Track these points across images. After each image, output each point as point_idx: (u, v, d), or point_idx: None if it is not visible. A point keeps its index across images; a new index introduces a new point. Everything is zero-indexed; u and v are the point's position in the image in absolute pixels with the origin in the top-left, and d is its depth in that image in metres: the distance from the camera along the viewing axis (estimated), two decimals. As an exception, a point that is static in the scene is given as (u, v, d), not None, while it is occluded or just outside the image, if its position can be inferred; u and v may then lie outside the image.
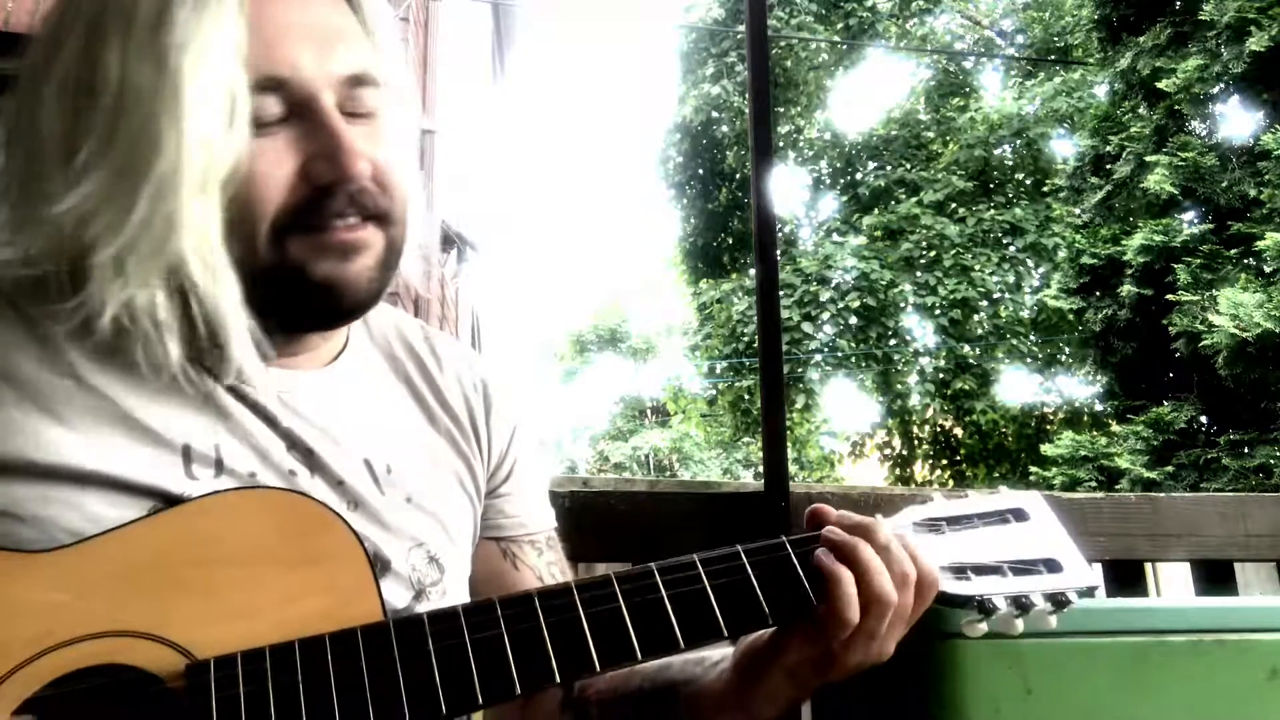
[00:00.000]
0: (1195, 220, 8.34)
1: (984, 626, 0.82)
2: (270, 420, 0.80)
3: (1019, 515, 0.87)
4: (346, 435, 0.84)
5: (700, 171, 16.91)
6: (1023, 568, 0.82)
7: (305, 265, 0.74)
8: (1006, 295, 14.18)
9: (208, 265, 0.70)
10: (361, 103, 0.77)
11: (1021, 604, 0.80)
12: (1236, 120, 8.44)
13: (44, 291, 0.74)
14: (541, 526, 0.99)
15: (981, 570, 0.82)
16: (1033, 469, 10.05)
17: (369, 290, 0.78)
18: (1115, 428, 8.89)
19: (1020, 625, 0.81)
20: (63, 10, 0.73)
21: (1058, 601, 0.81)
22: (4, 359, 0.73)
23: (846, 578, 0.75)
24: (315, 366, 0.86)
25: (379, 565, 0.79)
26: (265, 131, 0.72)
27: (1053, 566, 0.83)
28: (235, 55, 0.70)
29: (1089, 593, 0.82)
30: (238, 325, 0.73)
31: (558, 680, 0.70)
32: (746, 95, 4.63)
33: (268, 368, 0.80)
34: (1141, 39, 8.83)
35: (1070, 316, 10.40)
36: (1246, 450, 7.61)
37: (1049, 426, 14.45)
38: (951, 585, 0.81)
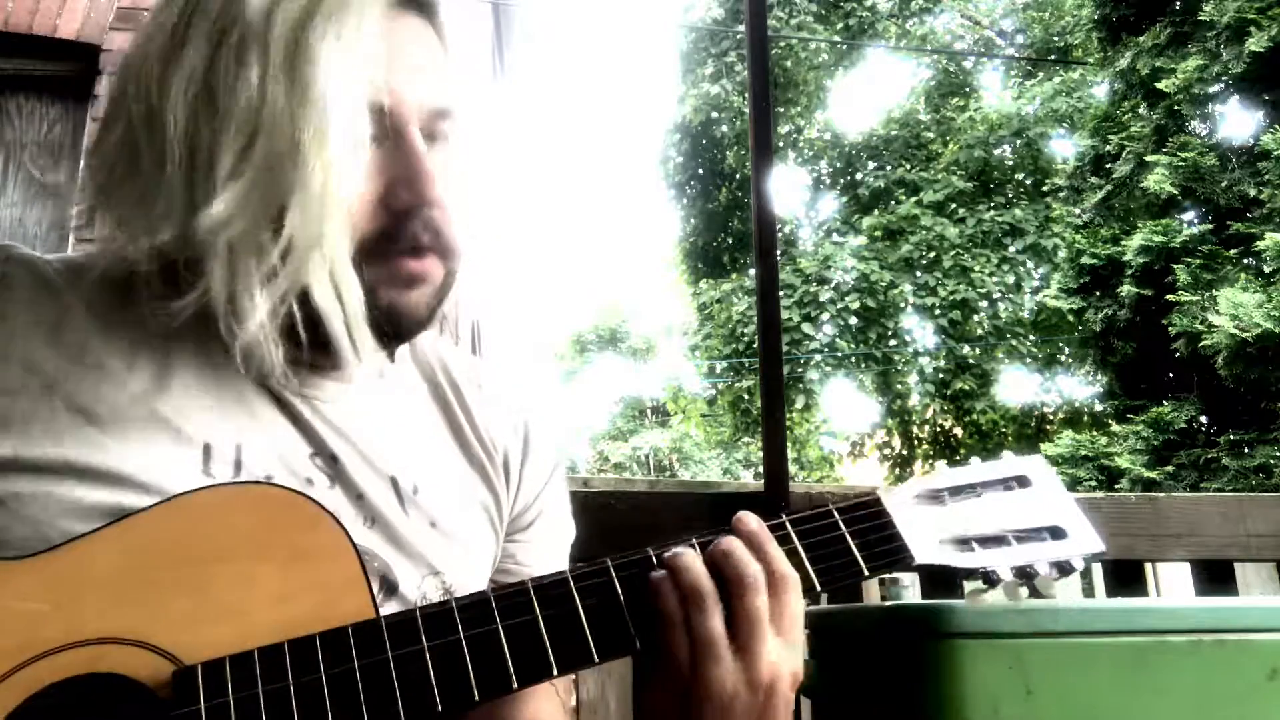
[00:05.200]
0: (1195, 220, 8.34)
1: (989, 597, 0.81)
2: (299, 423, 0.80)
3: (1022, 481, 0.85)
4: (376, 451, 0.82)
5: (700, 171, 16.92)
6: (1027, 535, 0.81)
7: (375, 290, 0.76)
8: (1006, 296, 14.19)
9: (342, 281, 0.72)
10: (439, 132, 0.79)
11: (1026, 573, 0.79)
12: (1236, 120, 8.45)
13: (146, 287, 0.76)
14: None
15: (985, 541, 0.80)
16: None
17: (423, 317, 0.80)
18: (1115, 428, 8.88)
19: (1025, 593, 0.80)
20: (176, 22, 0.73)
21: (1063, 569, 0.80)
22: (28, 350, 0.73)
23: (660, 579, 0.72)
24: (353, 380, 0.85)
25: (385, 588, 0.78)
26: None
27: (1057, 533, 0.82)
28: (365, 81, 0.72)
29: (1094, 558, 0.81)
30: (348, 341, 0.74)
31: (555, 673, 0.69)
32: (746, 95, 4.63)
33: (307, 373, 0.81)
34: (1141, 39, 8.83)
35: (1070, 316, 10.40)
36: (1246, 450, 7.61)
37: (1049, 426, 14.46)
38: (955, 558, 0.79)
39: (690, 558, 0.72)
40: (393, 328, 0.78)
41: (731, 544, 0.73)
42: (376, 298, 0.76)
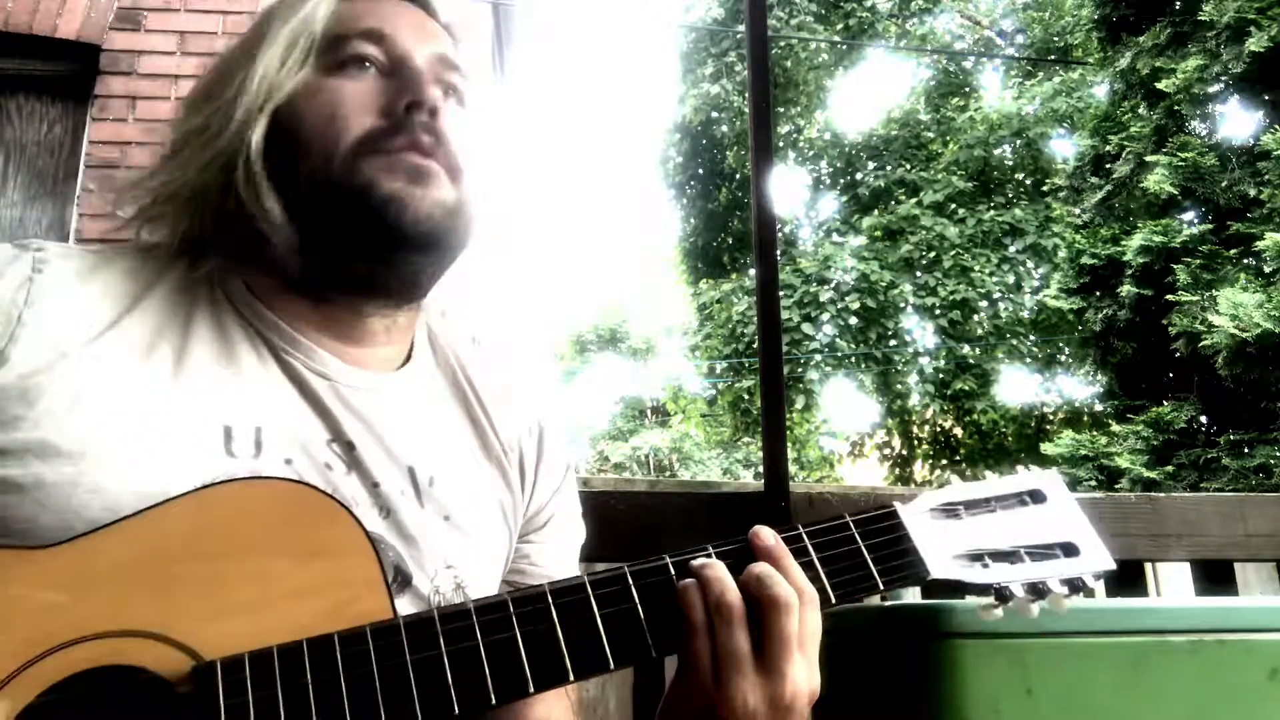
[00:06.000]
0: (1195, 220, 8.34)
1: (1000, 613, 0.81)
2: (318, 407, 0.80)
3: (1036, 497, 0.86)
4: (395, 441, 0.83)
5: (700, 171, 16.91)
6: (1040, 552, 0.82)
7: (374, 182, 0.79)
8: (1006, 296, 14.19)
9: (249, 174, 0.80)
10: (447, 82, 0.87)
11: (1038, 590, 0.80)
12: (1236, 120, 8.44)
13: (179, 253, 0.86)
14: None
15: (998, 557, 0.81)
16: (1033, 468, 10.03)
17: (430, 222, 0.81)
18: (1115, 428, 8.88)
19: (1036, 610, 0.81)
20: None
21: (1074, 586, 0.81)
22: (58, 334, 0.73)
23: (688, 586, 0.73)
24: (377, 370, 0.86)
25: (399, 579, 0.78)
26: (361, 70, 0.83)
27: (1070, 550, 0.83)
28: (315, 17, 0.83)
29: (1104, 576, 0.83)
30: (280, 227, 0.80)
31: (571, 679, 0.70)
32: (746, 95, 4.64)
33: (326, 354, 0.82)
34: (1141, 39, 8.83)
35: (1070, 316, 10.39)
36: (1246, 450, 7.60)
37: (1049, 426, 14.45)
38: (968, 573, 0.80)
39: (720, 570, 0.72)
40: (394, 221, 0.79)
41: (764, 569, 0.73)
42: (375, 189, 0.78)
